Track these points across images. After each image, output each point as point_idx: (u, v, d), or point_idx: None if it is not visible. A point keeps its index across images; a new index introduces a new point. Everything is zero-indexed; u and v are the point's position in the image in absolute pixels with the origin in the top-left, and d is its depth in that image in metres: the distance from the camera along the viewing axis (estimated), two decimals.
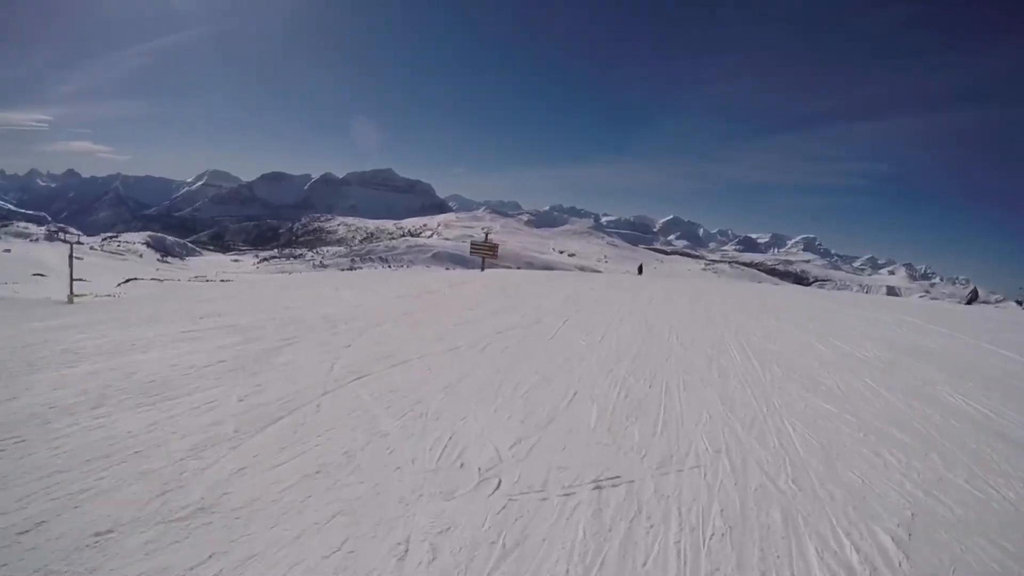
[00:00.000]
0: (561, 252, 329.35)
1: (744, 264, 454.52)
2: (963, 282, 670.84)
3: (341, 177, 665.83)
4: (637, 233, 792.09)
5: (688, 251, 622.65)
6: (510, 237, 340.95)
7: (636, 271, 58.86)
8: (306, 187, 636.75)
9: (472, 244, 45.24)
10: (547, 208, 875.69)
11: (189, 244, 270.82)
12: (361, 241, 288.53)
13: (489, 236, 49.70)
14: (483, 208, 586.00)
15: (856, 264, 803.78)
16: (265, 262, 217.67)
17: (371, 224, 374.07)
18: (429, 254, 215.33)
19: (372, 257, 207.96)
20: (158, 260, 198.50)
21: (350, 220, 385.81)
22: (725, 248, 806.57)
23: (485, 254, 45.40)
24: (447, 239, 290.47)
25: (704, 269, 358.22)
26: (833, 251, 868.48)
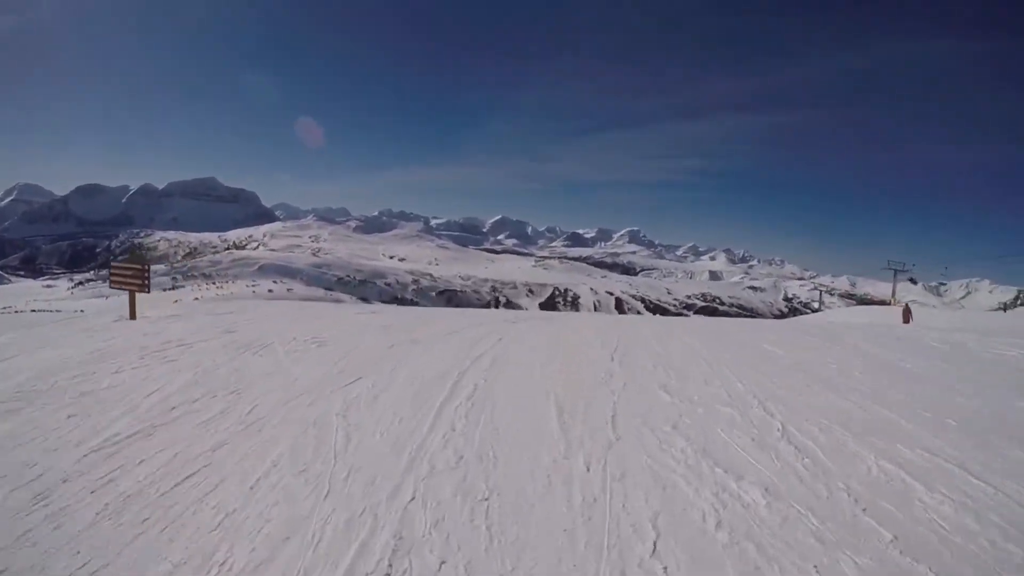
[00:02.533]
0: (391, 257, 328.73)
1: (573, 259, 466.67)
2: (779, 263, 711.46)
3: (162, 188, 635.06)
4: (467, 234, 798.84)
5: (518, 249, 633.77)
6: (339, 245, 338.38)
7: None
8: (124, 200, 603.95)
9: (111, 270, 16.85)
10: (376, 213, 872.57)
11: None
12: (184, 257, 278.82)
13: (140, 255, 16.26)
14: (311, 216, 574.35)
15: (679, 252, 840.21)
16: (80, 286, 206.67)
17: (194, 238, 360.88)
18: (255, 267, 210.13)
19: (195, 274, 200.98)
20: None
21: (171, 235, 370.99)
22: (554, 244, 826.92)
23: (130, 284, 16.13)
24: (273, 250, 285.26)
25: (534, 266, 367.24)
26: (657, 241, 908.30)
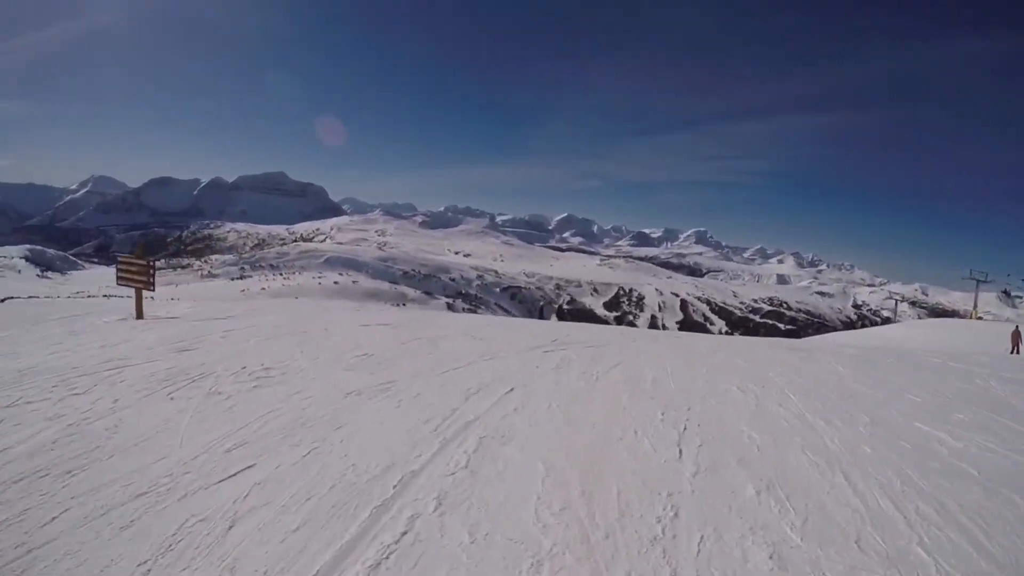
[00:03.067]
0: (456, 253, 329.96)
1: (639, 259, 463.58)
2: (848, 267, 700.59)
3: (231, 181, 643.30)
4: (532, 231, 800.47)
5: (583, 247, 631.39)
6: (405, 239, 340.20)
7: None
8: (195, 192, 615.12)
9: (118, 265, 16.53)
10: (442, 209, 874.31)
11: (71, 257, 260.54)
12: (252, 248, 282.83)
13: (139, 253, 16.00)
14: (377, 210, 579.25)
15: (746, 255, 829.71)
16: None
17: (262, 230, 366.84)
18: (321, 259, 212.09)
19: (263, 265, 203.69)
20: (37, 275, 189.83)
21: (240, 226, 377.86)
22: (619, 243, 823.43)
23: (136, 280, 15.93)
24: (340, 243, 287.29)
25: (600, 265, 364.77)
26: (724, 243, 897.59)
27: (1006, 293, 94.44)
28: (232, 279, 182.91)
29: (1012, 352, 28.57)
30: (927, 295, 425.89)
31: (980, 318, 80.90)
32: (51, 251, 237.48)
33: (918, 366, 13.41)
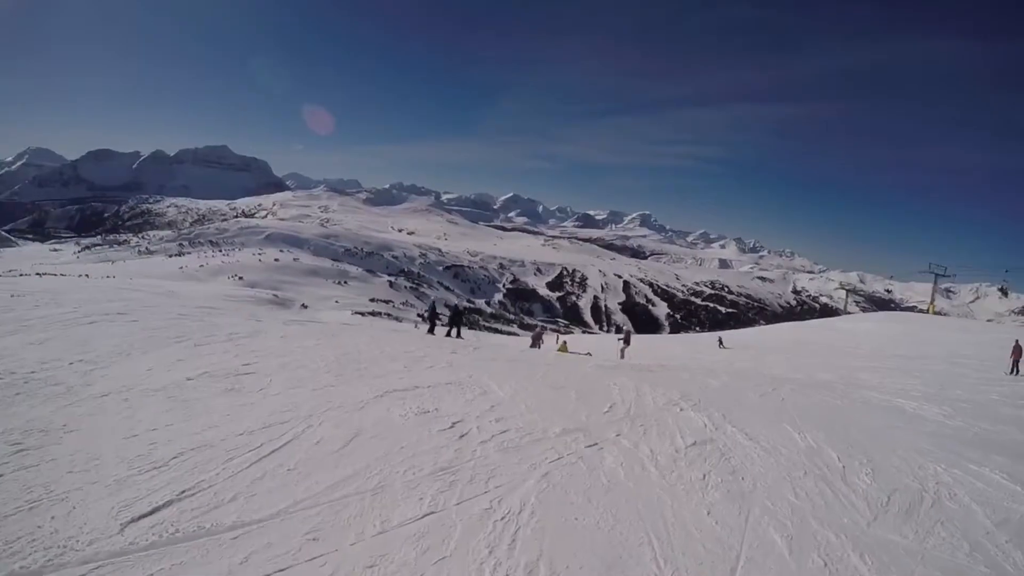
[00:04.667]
0: (400, 230, 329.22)
1: (583, 240, 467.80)
2: (788, 254, 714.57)
3: (172, 155, 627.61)
4: (478, 210, 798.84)
5: (528, 228, 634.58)
6: (348, 216, 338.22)
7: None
8: (135, 166, 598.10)
9: None
10: (387, 186, 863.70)
11: (3, 233, 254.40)
12: (191, 224, 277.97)
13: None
14: (321, 186, 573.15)
15: (690, 239, 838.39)
16: (87, 251, 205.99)
17: (203, 205, 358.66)
18: (262, 235, 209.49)
19: (202, 241, 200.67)
20: None
21: (181, 201, 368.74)
22: (564, 225, 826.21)
23: None
24: (282, 219, 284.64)
25: (544, 245, 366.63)
26: (668, 227, 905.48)
27: (1003, 291, 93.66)
28: (170, 256, 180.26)
29: (1012, 371, 25.78)
30: (864, 283, 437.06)
31: (938, 313, 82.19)
32: None
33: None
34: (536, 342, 28.47)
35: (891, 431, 10.65)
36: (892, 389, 16.79)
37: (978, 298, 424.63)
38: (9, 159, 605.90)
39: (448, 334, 23.53)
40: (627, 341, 28.74)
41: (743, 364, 27.22)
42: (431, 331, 24.03)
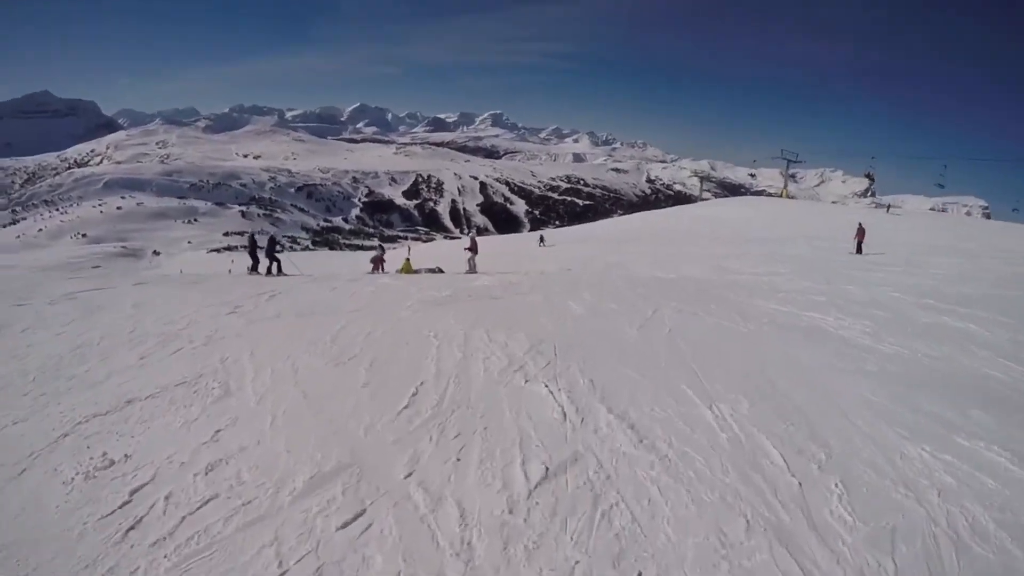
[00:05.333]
0: (246, 156, 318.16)
1: (435, 144, 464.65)
2: (641, 145, 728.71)
3: None
4: (325, 125, 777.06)
5: (378, 137, 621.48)
6: (189, 148, 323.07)
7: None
8: None
9: None
10: (227, 110, 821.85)
11: None
12: (21, 185, 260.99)
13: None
14: (156, 120, 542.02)
15: (543, 135, 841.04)
16: None
17: (30, 162, 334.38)
18: (100, 184, 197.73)
19: (35, 203, 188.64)
20: None
21: (6, 162, 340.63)
22: (415, 131, 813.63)
23: None
24: (119, 162, 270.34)
25: (396, 153, 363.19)
26: (520, 124, 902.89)
27: (869, 177, 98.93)
28: (3, 226, 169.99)
29: (856, 251, 27.74)
30: (715, 171, 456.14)
31: (792, 197, 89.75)
32: None
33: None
34: (378, 266, 26.06)
35: (828, 378, 7.87)
36: (787, 290, 15.42)
37: (823, 182, 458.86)
38: None
39: (268, 272, 21.27)
40: (474, 248, 24.91)
41: (607, 260, 28.20)
42: (254, 268, 21.89)
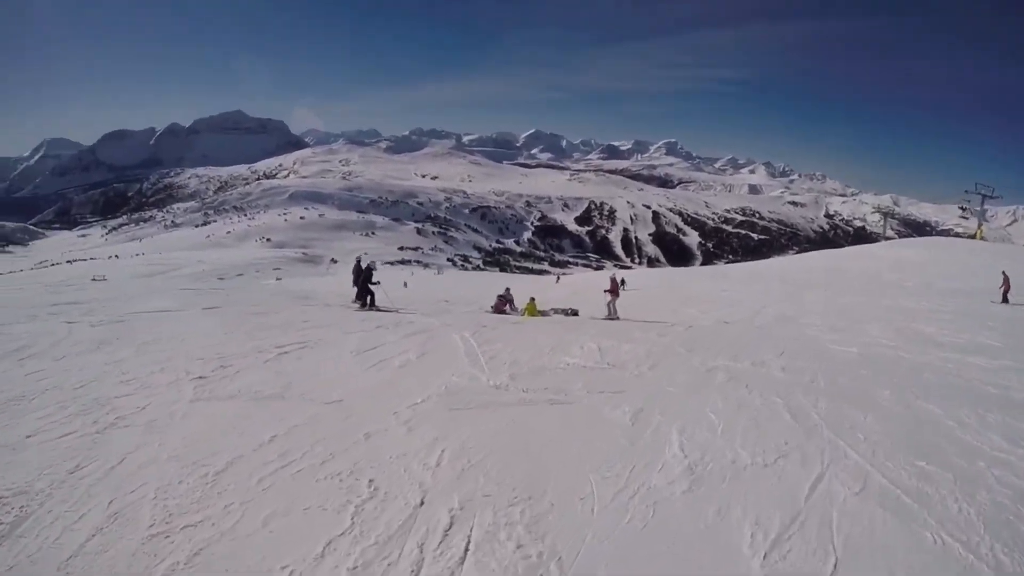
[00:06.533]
0: (423, 176, 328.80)
1: (609, 172, 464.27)
2: (820, 177, 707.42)
3: (188, 126, 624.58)
4: (500, 149, 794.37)
5: (553, 163, 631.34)
6: (370, 167, 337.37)
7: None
8: (152, 142, 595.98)
9: None
10: (407, 133, 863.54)
11: (31, 227, 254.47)
12: (214, 192, 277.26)
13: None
14: (340, 140, 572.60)
15: (718, 165, 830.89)
16: (114, 232, 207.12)
17: (224, 172, 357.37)
18: (286, 195, 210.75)
19: (226, 208, 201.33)
20: None
21: (201, 171, 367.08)
22: (589, 157, 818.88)
23: None
24: (304, 176, 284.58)
25: (570, 180, 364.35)
26: (695, 154, 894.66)
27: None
28: (196, 226, 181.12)
29: (1003, 301, 24.42)
30: (899, 206, 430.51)
31: (984, 239, 74.26)
32: (9, 224, 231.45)
33: None
34: (504, 306, 22.18)
35: None
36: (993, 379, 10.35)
37: (1015, 220, 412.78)
38: (27, 154, 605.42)
39: (364, 304, 18.68)
40: (614, 290, 20.37)
41: (777, 311, 22.14)
42: (362, 302, 18.83)
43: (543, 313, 20.76)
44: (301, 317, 15.00)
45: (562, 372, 9.54)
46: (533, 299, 21.32)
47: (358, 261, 19.86)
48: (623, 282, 33.24)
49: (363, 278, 18.61)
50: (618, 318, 18.99)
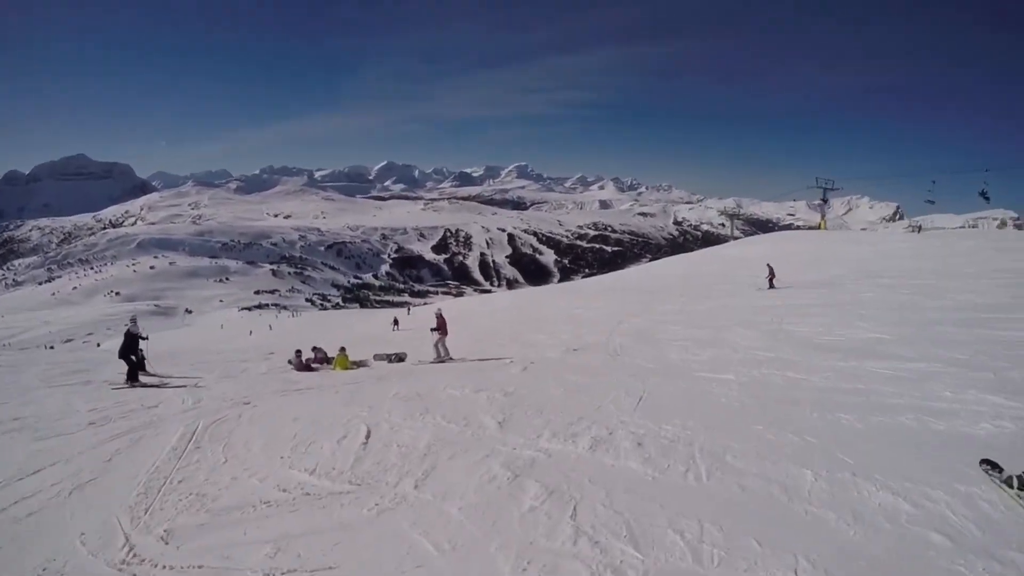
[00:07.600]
0: (276, 215, 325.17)
1: (462, 199, 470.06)
2: (666, 188, 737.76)
3: (28, 172, 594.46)
4: (353, 184, 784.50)
5: (406, 194, 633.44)
6: (221, 209, 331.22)
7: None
8: None
9: None
10: (257, 171, 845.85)
11: None
12: (58, 244, 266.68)
13: None
14: (189, 182, 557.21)
15: (568, 184, 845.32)
16: None
17: (67, 222, 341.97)
18: (133, 244, 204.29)
19: (71, 261, 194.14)
20: None
21: (44, 222, 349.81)
22: (442, 186, 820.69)
23: None
24: (152, 223, 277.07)
25: (424, 209, 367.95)
26: (545, 175, 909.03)
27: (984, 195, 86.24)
28: (40, 283, 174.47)
29: (769, 288, 27.41)
30: (742, 208, 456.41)
31: (826, 228, 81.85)
32: None
33: None
34: (312, 362, 19.13)
35: None
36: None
37: (850, 210, 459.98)
38: None
39: (129, 378, 14.68)
40: (441, 328, 17.63)
41: (632, 325, 20.74)
42: (127, 376, 14.78)
43: (359, 364, 18.21)
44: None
45: (255, 515, 5.74)
46: (343, 349, 18.54)
47: (127, 330, 15.47)
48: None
49: (123, 346, 15.10)
50: (451, 358, 17.14)
